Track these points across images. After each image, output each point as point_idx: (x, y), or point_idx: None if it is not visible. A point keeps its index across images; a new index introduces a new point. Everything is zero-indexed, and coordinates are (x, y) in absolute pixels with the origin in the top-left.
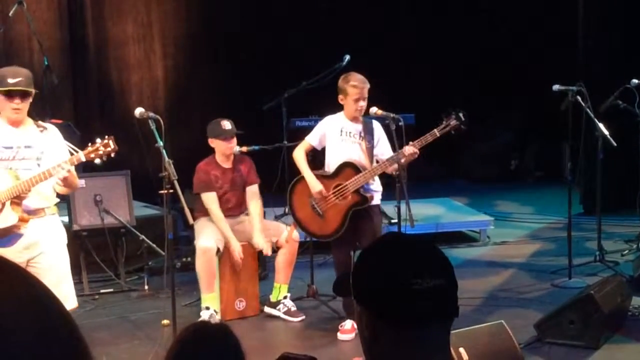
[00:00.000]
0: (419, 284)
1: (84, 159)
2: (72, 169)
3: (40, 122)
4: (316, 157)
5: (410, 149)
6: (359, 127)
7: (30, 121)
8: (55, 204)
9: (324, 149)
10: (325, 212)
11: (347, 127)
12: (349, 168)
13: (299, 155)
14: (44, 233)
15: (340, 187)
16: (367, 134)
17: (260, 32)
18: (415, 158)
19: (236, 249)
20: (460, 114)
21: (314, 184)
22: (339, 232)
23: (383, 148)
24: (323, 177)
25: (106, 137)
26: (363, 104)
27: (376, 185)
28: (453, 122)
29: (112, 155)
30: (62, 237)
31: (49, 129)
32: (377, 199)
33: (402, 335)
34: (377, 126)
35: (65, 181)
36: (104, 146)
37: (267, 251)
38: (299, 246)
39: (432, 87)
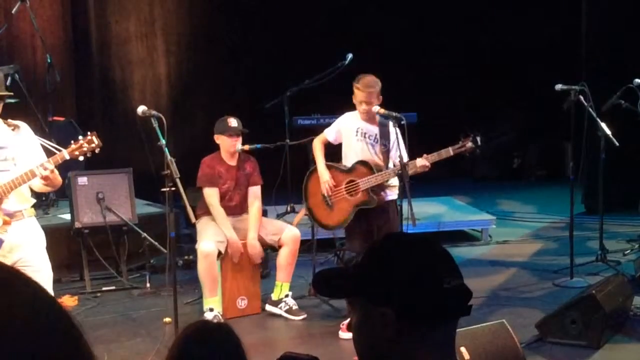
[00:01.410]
0: (447, 283)
1: (68, 157)
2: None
3: (10, 121)
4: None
5: (421, 162)
6: (375, 129)
7: (0, 121)
8: (32, 206)
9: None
10: (334, 203)
11: (364, 127)
12: (364, 167)
13: (316, 145)
14: (25, 237)
15: (352, 183)
16: (383, 137)
17: (262, 30)
18: (425, 171)
19: (236, 247)
20: (477, 138)
21: (323, 174)
22: (342, 226)
23: (398, 151)
24: (339, 171)
25: (89, 133)
26: (365, 107)
27: (392, 180)
28: (469, 145)
29: (97, 151)
30: (43, 240)
31: (21, 127)
32: (393, 194)
33: (427, 334)
34: (393, 129)
35: (48, 180)
36: (87, 142)
37: (256, 259)
38: (301, 244)
39: (434, 85)
